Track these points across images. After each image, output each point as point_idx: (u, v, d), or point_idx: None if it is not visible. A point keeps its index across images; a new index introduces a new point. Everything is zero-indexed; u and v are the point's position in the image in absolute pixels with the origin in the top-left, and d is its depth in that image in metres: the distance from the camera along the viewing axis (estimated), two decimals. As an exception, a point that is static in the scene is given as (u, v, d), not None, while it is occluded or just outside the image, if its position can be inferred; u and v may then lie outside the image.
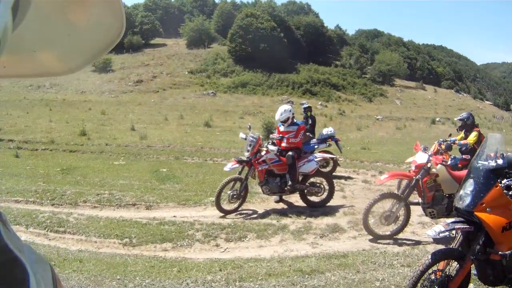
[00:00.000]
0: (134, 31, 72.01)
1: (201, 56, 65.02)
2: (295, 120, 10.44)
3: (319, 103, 50.96)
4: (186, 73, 58.42)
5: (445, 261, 4.69)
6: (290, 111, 10.30)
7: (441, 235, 5.09)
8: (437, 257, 4.61)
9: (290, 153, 9.82)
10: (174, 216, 9.24)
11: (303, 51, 67.77)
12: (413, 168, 8.02)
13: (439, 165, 7.77)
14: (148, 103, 44.12)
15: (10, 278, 0.65)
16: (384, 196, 7.95)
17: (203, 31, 70.96)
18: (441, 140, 9.70)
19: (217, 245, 7.73)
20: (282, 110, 10.32)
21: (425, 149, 8.25)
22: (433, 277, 4.64)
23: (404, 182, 8.17)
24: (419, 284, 4.64)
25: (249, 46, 59.68)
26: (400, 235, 8.11)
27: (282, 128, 10.35)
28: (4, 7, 0.58)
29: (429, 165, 7.82)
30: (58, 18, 0.84)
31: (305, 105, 14.58)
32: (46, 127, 24.56)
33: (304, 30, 72.40)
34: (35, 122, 26.91)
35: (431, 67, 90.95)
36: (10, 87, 47.94)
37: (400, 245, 7.75)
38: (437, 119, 46.36)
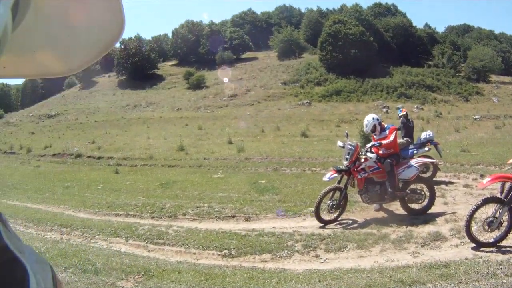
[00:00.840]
0: (224, 47, 73.45)
1: (293, 66, 65.06)
2: (384, 125, 10.19)
3: (415, 106, 49.58)
4: (280, 84, 58.65)
5: None
6: (373, 119, 10.07)
7: None
8: None
9: (388, 160, 9.58)
10: (274, 228, 9.26)
11: (394, 53, 66.21)
12: None
13: None
14: (243, 116, 44.63)
15: (10, 278, 0.66)
16: (486, 201, 7.57)
17: (293, 41, 71.02)
18: None
19: (316, 256, 7.68)
20: (366, 122, 10.17)
21: None
22: None
23: (508, 184, 7.76)
24: None
25: (339, 53, 59.02)
26: (504, 242, 7.65)
27: (376, 137, 10.13)
28: (4, 7, 0.58)
29: None
30: (58, 18, 0.84)
31: (400, 112, 14.23)
32: (144, 144, 25.60)
33: (393, 32, 70.65)
34: (133, 140, 28.13)
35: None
36: (107, 108, 50.36)
37: (504, 253, 7.32)
38: (539, 115, 43.66)
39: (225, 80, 57.13)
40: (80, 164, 23.01)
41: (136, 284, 6.55)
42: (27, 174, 21.42)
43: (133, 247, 8.73)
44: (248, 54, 77.24)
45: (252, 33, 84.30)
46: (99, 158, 23.43)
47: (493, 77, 66.50)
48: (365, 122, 10.16)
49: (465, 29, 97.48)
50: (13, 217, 12.29)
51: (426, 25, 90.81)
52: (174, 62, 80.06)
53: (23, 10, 0.70)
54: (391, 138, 9.77)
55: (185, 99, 55.29)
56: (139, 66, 69.07)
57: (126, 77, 71.36)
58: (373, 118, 10.05)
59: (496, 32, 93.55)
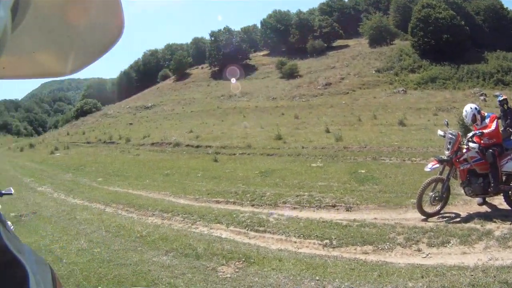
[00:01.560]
0: (314, 35, 73.01)
1: (385, 53, 63.62)
2: (484, 114, 9.76)
3: (514, 93, 47.22)
4: (373, 72, 57.58)
5: None
6: (472, 109, 9.63)
7: None
8: None
9: (490, 150, 9.15)
10: (375, 218, 9.21)
11: (487, 37, 62.83)
12: None
13: None
14: (339, 104, 44.35)
15: (10, 278, 0.66)
16: None
17: (383, 27, 69.29)
18: None
19: (418, 250, 7.55)
20: (465, 113, 9.80)
21: None
22: None
23: None
24: None
25: (431, 38, 57.03)
26: None
27: (477, 127, 9.74)
28: (4, 8, 0.58)
29: None
30: (58, 18, 0.84)
31: (500, 97, 13.60)
32: (241, 133, 25.95)
33: (484, 15, 67.17)
34: (230, 129, 28.58)
35: None
36: (203, 98, 51.40)
37: None
38: None
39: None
40: (179, 152, 23.86)
41: (237, 270, 6.78)
42: (127, 162, 22.62)
43: (233, 233, 8.98)
44: (338, 42, 76.16)
45: (340, 20, 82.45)
46: (197, 147, 24.14)
47: None
48: (464, 113, 9.83)
49: None
50: (115, 202, 13.08)
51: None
52: (265, 52, 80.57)
53: (23, 10, 0.70)
54: (493, 127, 9.32)
55: (279, 88, 55.54)
56: (231, 57, 70.07)
57: (218, 68, 72.69)
58: (471, 108, 9.65)
59: None
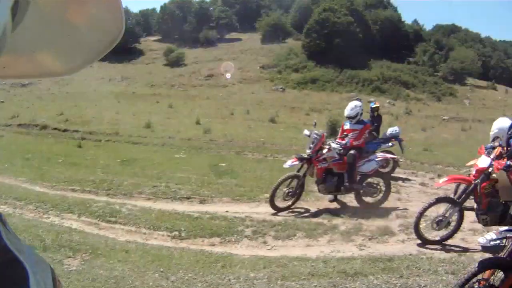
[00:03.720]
0: (210, 25, 73.16)
1: (275, 51, 64.96)
2: (362, 118, 10.33)
3: (387, 101, 50.01)
4: (258, 68, 58.59)
5: (491, 270, 4.55)
6: (360, 107, 10.20)
7: (492, 243, 4.90)
8: (484, 265, 4.51)
9: (352, 151, 9.68)
10: (227, 211, 9.26)
11: (377, 46, 66.35)
12: (473, 172, 7.74)
13: (501, 171, 7.48)
14: (216, 97, 44.68)
15: (10, 278, 0.65)
16: (439, 200, 7.79)
17: (279, 25, 70.86)
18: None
19: (264, 242, 7.71)
20: (352, 106, 10.23)
21: (489, 153, 7.97)
22: (476, 286, 4.54)
23: (462, 186, 7.92)
24: None
25: (323, 41, 59.07)
26: (449, 241, 7.89)
27: (347, 126, 10.28)
28: (4, 7, 0.58)
29: (490, 169, 7.53)
30: (58, 18, 0.80)
31: (373, 104, 14.33)
32: (112, 119, 25.28)
33: (381, 26, 70.79)
34: (102, 114, 27.74)
35: (505, 66, 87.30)
36: (81, 80, 49.55)
37: (448, 251, 7.55)
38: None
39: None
40: (44, 136, 22.47)
41: (82, 263, 6.49)
42: (-13, 144, 21.01)
43: (84, 224, 8.59)
44: (232, 35, 76.64)
45: (241, 13, 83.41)
46: (64, 130, 23.00)
47: (470, 80, 67.61)
48: (351, 105, 10.25)
49: (452, 29, 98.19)
50: None
51: (415, 21, 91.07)
52: (157, 37, 79.14)
53: (23, 10, 0.68)
54: (361, 140, 9.98)
55: (161, 76, 54.87)
56: (120, 39, 68.22)
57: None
58: (360, 106, 10.24)
59: (482, 35, 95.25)
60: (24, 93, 51.04)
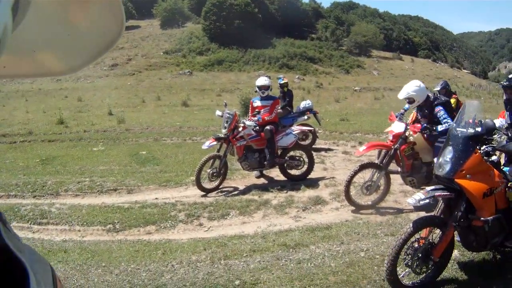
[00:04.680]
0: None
1: (176, 35, 64.63)
2: (271, 94, 10.44)
3: (296, 76, 51.00)
4: (161, 54, 58.08)
5: (428, 228, 4.76)
6: (268, 81, 10.35)
7: (421, 202, 5.09)
8: (418, 225, 4.68)
9: (268, 127, 9.80)
10: (156, 199, 9.16)
11: (278, 25, 67.39)
12: (390, 137, 8.04)
13: (417, 134, 7.82)
14: (124, 86, 43.90)
15: (10, 278, 0.66)
16: (364, 167, 7.97)
17: (177, 10, 70.21)
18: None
19: (200, 225, 7.70)
20: (264, 78, 10.43)
21: (400, 119, 8.29)
22: (416, 245, 4.72)
23: (383, 151, 8.20)
24: (402, 253, 4.69)
25: (223, 23, 59.34)
26: (383, 205, 8.19)
27: (257, 103, 10.39)
28: (4, 7, 0.57)
29: (407, 133, 7.85)
30: (58, 18, 0.83)
31: (281, 81, 14.45)
32: (23, 119, 24.05)
33: (279, 5, 71.92)
34: (11, 115, 26.42)
35: (407, 37, 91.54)
36: (-17, 82, 47.00)
37: (383, 214, 7.81)
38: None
39: None
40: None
41: (23, 269, 6.27)
42: None
43: (17, 229, 8.06)
44: (130, 23, 75.00)
45: (137, 1, 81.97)
46: (-26, 136, 21.71)
47: (375, 52, 70.20)
48: (262, 78, 10.42)
49: (351, 6, 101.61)
50: None
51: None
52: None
53: (23, 10, 0.69)
54: (273, 115, 10.11)
55: (64, 69, 53.02)
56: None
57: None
58: (268, 81, 10.37)
59: (381, 11, 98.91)
60: None
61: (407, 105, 8.55)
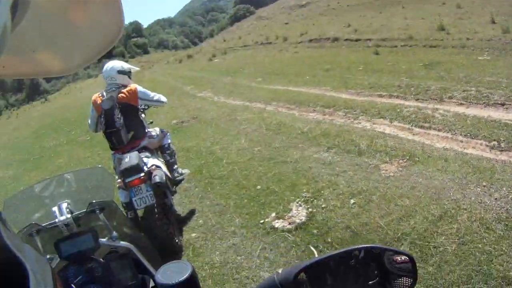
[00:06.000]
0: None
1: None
2: None
3: None
4: None
5: None
6: None
7: None
8: None
9: None
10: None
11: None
12: None
13: None
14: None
15: (10, 278, 0.65)
16: None
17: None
18: None
19: None
20: None
21: None
22: None
23: None
24: None
25: None
26: None
27: None
28: (3, 7, 0.55)
29: None
30: (58, 18, 0.83)
31: None
32: (401, 24, 24.69)
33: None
34: (390, 21, 27.38)
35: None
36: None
37: None
38: None
39: None
40: (337, 47, 23.33)
41: (400, 169, 6.47)
42: (285, 61, 22.62)
43: (397, 129, 8.52)
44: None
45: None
46: (356, 40, 23.36)
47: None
48: None
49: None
50: (275, 100, 13.30)
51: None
52: None
53: (22, 10, 0.67)
54: None
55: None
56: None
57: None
58: None
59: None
60: (305, 12, 53.38)
61: None
